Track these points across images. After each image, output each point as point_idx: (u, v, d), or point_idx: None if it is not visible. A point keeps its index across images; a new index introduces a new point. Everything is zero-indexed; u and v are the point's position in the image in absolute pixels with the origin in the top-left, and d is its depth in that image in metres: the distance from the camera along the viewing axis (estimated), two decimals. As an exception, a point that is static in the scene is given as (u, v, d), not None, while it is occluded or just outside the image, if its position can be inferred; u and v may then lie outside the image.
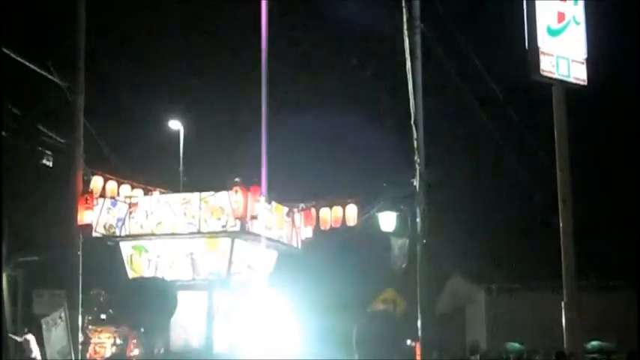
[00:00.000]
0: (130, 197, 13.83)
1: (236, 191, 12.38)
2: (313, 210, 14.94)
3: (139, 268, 13.40)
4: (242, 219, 12.37)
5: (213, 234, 12.71)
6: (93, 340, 20.78)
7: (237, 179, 12.47)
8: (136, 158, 26.00)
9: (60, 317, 16.24)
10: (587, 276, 23.39)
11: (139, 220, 13.21)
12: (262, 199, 12.99)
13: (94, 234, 13.42)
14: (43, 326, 16.45)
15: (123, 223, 13.22)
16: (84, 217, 13.75)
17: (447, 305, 28.78)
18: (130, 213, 13.21)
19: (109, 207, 13.49)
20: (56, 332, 15.98)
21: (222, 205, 12.53)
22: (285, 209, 14.13)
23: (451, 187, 26.76)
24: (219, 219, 12.52)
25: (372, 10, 23.45)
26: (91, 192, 13.91)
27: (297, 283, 14.93)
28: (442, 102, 25.29)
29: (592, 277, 24.01)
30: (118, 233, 13.32)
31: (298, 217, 14.45)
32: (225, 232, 12.58)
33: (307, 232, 14.90)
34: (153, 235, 13.14)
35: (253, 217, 12.45)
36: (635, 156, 25.38)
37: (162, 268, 13.21)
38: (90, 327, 20.95)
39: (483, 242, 27.46)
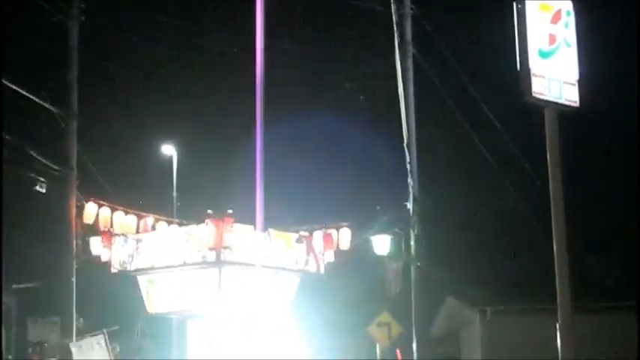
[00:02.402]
0: (138, 233, 14.16)
1: (207, 223, 12.60)
2: (334, 233, 14.89)
3: (153, 301, 13.69)
4: (216, 250, 12.59)
5: (198, 265, 12.90)
6: None
7: (209, 211, 12.72)
8: (129, 184, 26.00)
9: (98, 343, 16.34)
10: (583, 297, 23.33)
11: (143, 255, 13.50)
12: (244, 227, 13.07)
13: (112, 270, 13.72)
14: (73, 349, 16.46)
15: (132, 259, 13.57)
16: (103, 255, 14.05)
17: (442, 328, 28.69)
18: (137, 248, 13.53)
19: (122, 244, 13.82)
20: (93, 356, 16.05)
21: (201, 237, 12.78)
22: (294, 235, 14.13)
23: (445, 210, 26.77)
24: (199, 251, 12.79)
25: (364, 33, 23.53)
26: (109, 231, 14.20)
27: (300, 309, 14.91)
28: (436, 125, 25.35)
29: (588, 298, 23.93)
30: (128, 268, 13.63)
31: (319, 241, 14.48)
32: (207, 263, 12.77)
33: (329, 257, 14.88)
34: (152, 268, 13.37)
35: (226, 248, 12.64)
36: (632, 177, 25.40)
37: (170, 299, 13.45)
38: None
39: (478, 265, 27.41)
